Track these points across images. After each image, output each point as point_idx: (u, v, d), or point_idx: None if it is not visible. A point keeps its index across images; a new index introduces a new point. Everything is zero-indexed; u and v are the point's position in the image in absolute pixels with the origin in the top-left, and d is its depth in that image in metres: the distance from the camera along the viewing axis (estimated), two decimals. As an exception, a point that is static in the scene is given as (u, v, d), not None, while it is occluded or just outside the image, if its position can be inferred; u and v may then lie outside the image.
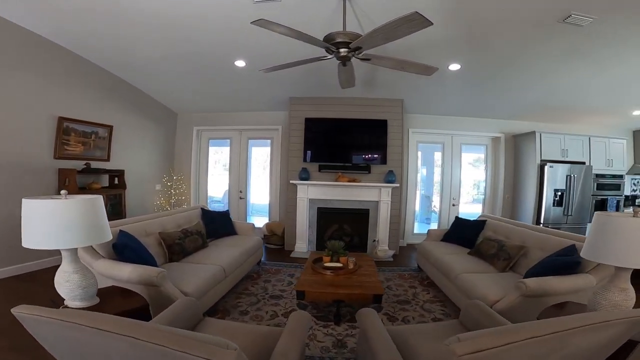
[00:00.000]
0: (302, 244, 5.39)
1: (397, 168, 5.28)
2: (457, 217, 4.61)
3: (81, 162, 4.37)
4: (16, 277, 3.68)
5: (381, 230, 5.27)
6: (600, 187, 5.84)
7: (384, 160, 5.23)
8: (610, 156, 5.90)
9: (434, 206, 6.80)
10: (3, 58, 3.50)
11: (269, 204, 6.34)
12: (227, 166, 6.48)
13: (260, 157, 6.69)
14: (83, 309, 1.80)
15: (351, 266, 3.31)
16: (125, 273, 2.36)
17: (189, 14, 3.21)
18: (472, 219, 4.82)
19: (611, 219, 1.77)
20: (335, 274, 3.16)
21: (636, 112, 5.50)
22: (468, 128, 6.11)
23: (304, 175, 5.20)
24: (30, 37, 3.71)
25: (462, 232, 4.27)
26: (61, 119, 4.14)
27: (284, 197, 5.79)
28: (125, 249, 2.56)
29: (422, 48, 3.55)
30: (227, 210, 4.69)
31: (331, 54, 2.63)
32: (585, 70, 3.97)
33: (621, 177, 5.96)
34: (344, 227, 5.53)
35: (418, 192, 6.34)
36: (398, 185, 5.22)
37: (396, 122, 5.31)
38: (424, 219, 7.38)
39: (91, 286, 1.84)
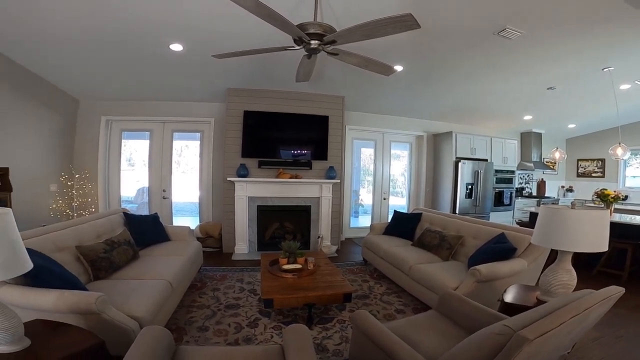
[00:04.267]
0: (243, 245, 5.06)
1: (337, 164, 5.33)
2: (395, 211, 4.88)
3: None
4: None
5: (323, 226, 5.27)
6: (499, 180, 6.91)
7: (324, 156, 5.22)
8: (505, 154, 7.01)
9: (361, 200, 7.12)
10: None
11: (199, 203, 5.77)
12: (145, 162, 5.66)
13: (187, 152, 6.03)
14: (12, 353, 1.32)
15: (311, 266, 3.21)
16: (48, 302, 1.82)
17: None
18: (403, 211, 5.20)
19: (556, 211, 2.03)
20: (297, 276, 3.03)
21: (526, 117, 6.65)
22: (397, 127, 6.54)
23: (243, 172, 4.85)
24: None
25: (402, 225, 4.55)
26: None
27: (218, 195, 5.34)
28: (40, 271, 1.97)
29: (372, 48, 3.60)
30: (156, 214, 4.07)
31: (299, 45, 2.46)
32: (494, 77, 4.56)
33: (513, 172, 7.14)
34: (285, 224, 5.38)
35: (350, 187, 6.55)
36: (339, 181, 5.28)
37: (337, 119, 5.35)
38: (352, 213, 7.70)
39: (15, 326, 1.37)
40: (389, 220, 4.85)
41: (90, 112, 5.33)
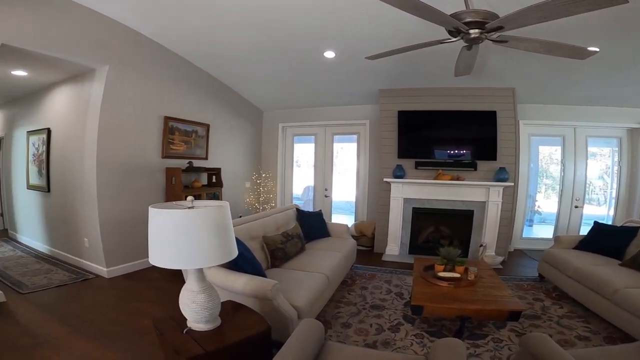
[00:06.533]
0: (394, 246, 5.02)
1: (509, 165, 4.55)
2: (597, 223, 3.80)
3: (184, 161, 4.55)
4: (124, 275, 3.86)
5: (488, 234, 4.63)
6: None
7: (492, 156, 4.55)
8: None
9: (538, 206, 5.86)
10: (115, 58, 3.63)
11: (355, 203, 6.06)
12: (311, 163, 6.36)
13: (344, 154, 6.43)
14: (206, 332, 1.65)
15: (472, 277, 2.87)
16: (239, 285, 2.20)
17: (276, 5, 3.05)
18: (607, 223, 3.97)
19: None
20: (454, 285, 2.77)
21: None
22: (597, 118, 5.03)
23: (399, 173, 4.78)
24: (134, 37, 3.80)
25: (606, 240, 3.52)
26: (167, 119, 4.31)
27: (373, 195, 5.46)
28: (239, 257, 2.45)
29: (555, 29, 2.87)
30: (320, 211, 4.51)
31: (456, 37, 2.21)
32: None
33: None
34: (441, 228, 5.01)
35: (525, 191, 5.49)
36: (511, 183, 4.51)
37: (507, 113, 4.57)
38: (526, 221, 6.46)
39: (216, 307, 1.68)
40: (584, 233, 3.82)
41: (270, 120, 6.41)
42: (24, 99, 4.93)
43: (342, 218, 6.40)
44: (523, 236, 5.52)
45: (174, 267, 1.53)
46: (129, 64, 3.77)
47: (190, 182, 4.58)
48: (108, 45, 3.53)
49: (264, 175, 6.14)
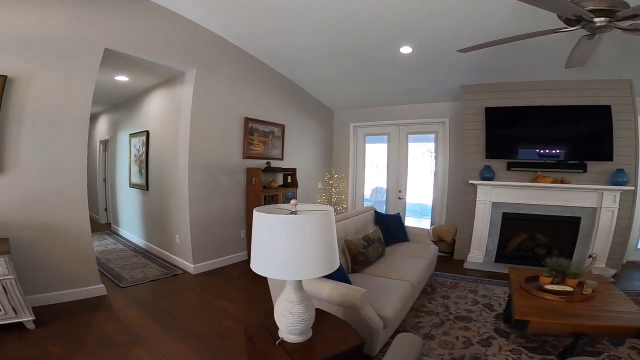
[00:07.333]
0: (478, 253, 4.58)
1: (628, 166, 3.85)
2: None
3: (262, 161, 4.68)
4: (207, 272, 3.99)
5: (599, 244, 3.97)
6: None
7: (607, 156, 3.88)
8: None
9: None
10: (200, 61, 3.82)
11: (432, 206, 5.69)
12: (381, 164, 6.14)
13: (416, 153, 6.09)
14: (298, 344, 1.56)
15: (589, 291, 2.51)
16: (325, 291, 2.10)
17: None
18: None
19: None
20: (566, 300, 2.45)
21: None
22: None
23: (488, 175, 4.34)
24: (217, 41, 3.97)
25: None
26: (247, 120, 4.45)
27: (454, 198, 5.08)
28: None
29: None
30: (398, 214, 4.30)
31: (575, 26, 2.07)
32: None
33: None
34: (536, 236, 4.46)
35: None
36: (632, 188, 3.81)
37: (624, 108, 3.87)
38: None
39: (311, 318, 1.58)
40: None
41: (341, 120, 6.34)
42: (125, 104, 5.53)
43: (413, 221, 6.08)
44: (639, 247, 4.67)
45: (280, 278, 1.45)
46: (212, 66, 3.95)
47: (268, 182, 4.69)
48: (194, 49, 3.74)
49: (336, 175, 6.09)
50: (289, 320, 1.52)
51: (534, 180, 4.15)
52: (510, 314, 2.69)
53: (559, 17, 2.09)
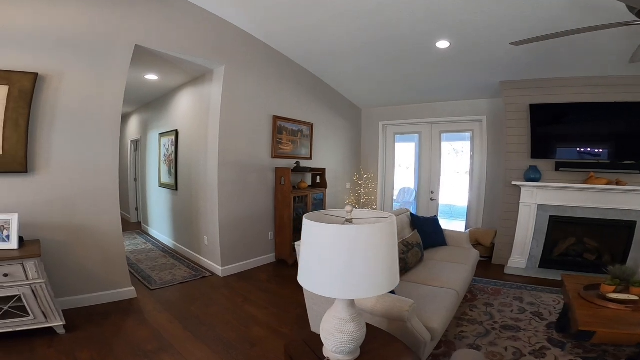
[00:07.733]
0: (521, 258, 4.27)
1: (698, 165, 3.46)
2: None
3: (291, 161, 4.56)
4: (235, 275, 3.91)
5: (659, 253, 3.60)
6: None
7: (671, 154, 3.50)
8: None
9: None
10: (229, 58, 3.71)
11: (468, 207, 5.38)
12: (411, 163, 5.89)
13: (452, 153, 5.79)
14: None
15: None
16: (370, 302, 1.92)
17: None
18: None
19: None
20: (632, 309, 2.24)
21: None
22: None
23: (534, 176, 4.03)
24: (244, 37, 3.86)
25: None
26: (275, 118, 4.33)
27: (493, 200, 4.80)
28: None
29: None
30: (436, 216, 4.06)
31: None
32: None
33: None
34: (585, 241, 4.12)
35: None
36: (703, 191, 3.41)
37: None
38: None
39: (362, 337, 1.39)
40: None
41: (369, 119, 6.13)
42: (155, 103, 5.55)
43: (444, 223, 5.76)
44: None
45: (336, 297, 1.26)
46: (241, 64, 3.85)
47: (297, 182, 4.56)
48: (223, 46, 3.65)
49: (365, 176, 5.88)
50: (339, 339, 1.33)
51: (586, 182, 3.81)
52: (566, 323, 2.54)
53: (630, 9, 1.97)
